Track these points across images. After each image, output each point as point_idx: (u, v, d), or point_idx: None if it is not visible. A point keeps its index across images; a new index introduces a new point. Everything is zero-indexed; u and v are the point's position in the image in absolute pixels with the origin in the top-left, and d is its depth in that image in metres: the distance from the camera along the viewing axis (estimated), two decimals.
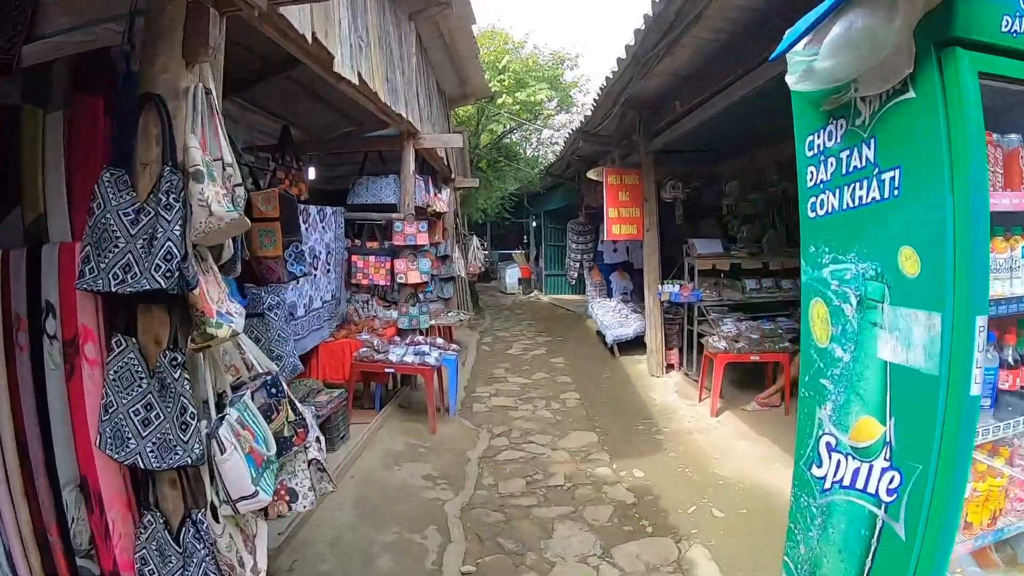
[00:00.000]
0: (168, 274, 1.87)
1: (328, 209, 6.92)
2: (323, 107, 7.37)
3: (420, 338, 6.97)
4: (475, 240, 14.13)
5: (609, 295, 13.17)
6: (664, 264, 8.69)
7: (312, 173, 9.43)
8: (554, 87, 15.74)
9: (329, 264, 6.93)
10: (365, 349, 6.23)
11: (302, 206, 6.24)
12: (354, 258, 7.23)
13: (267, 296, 4.50)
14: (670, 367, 8.72)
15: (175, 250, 1.89)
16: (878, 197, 2.25)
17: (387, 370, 6.16)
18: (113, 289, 1.88)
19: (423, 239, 6.99)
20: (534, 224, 21.67)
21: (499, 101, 14.29)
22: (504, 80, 14.88)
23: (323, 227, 6.79)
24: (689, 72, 6.19)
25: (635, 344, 9.83)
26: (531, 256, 21.80)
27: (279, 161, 6.78)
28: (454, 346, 7.00)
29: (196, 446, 1.96)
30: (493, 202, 17.64)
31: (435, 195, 9.20)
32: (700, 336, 8.03)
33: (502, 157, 16.31)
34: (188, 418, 1.96)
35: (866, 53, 1.98)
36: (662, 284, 8.07)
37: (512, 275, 20.89)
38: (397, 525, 4.39)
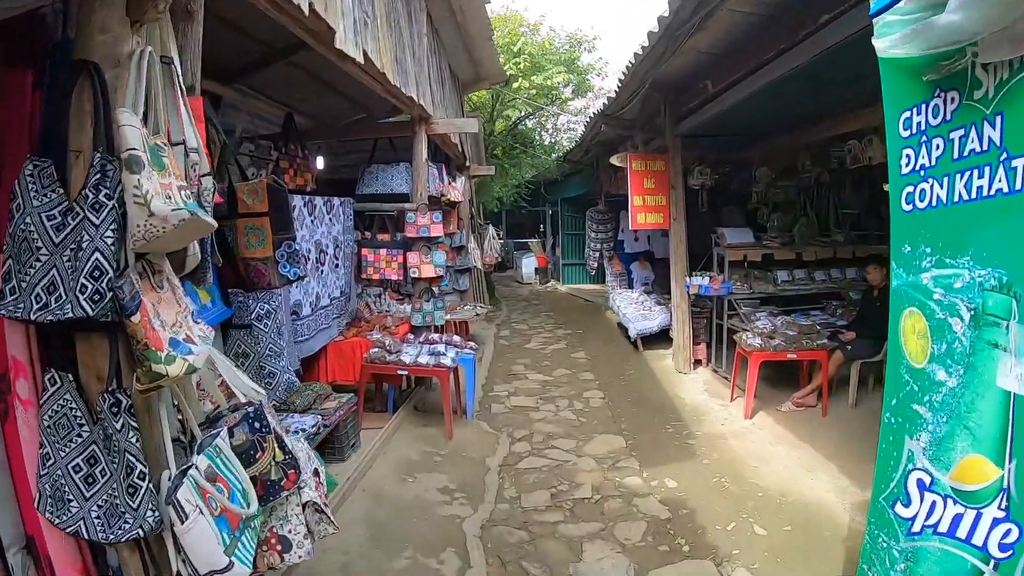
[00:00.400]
0: (96, 297, 1.44)
1: (336, 200, 6.50)
2: (329, 93, 6.96)
3: (435, 336, 6.56)
4: (491, 229, 13.69)
5: (630, 285, 12.71)
6: (688, 255, 8.21)
7: (321, 163, 9.04)
8: (571, 70, 15.14)
9: (338, 258, 6.52)
10: (376, 349, 5.82)
11: (307, 197, 5.85)
12: (364, 251, 6.82)
13: (256, 304, 4.08)
14: (697, 363, 8.26)
15: (105, 264, 1.46)
16: (1005, 189, 1.78)
17: (400, 372, 5.74)
18: (33, 317, 1.45)
19: (437, 230, 6.56)
20: (551, 212, 21.17)
21: (514, 85, 13.74)
22: (519, 63, 14.33)
23: (331, 219, 6.38)
24: (723, 50, 5.70)
25: (659, 338, 9.39)
26: (548, 245, 21.32)
27: (282, 150, 6.38)
28: (471, 344, 6.58)
29: (149, 514, 1.54)
30: (509, 190, 17.16)
31: (449, 183, 8.77)
32: (731, 331, 7.57)
33: (518, 144, 15.78)
34: (136, 479, 1.54)
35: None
36: (690, 276, 7.60)
37: (529, 265, 20.43)
38: (411, 547, 3.99)
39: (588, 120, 9.35)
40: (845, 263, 8.32)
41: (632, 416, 6.68)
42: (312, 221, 5.94)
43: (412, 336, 6.58)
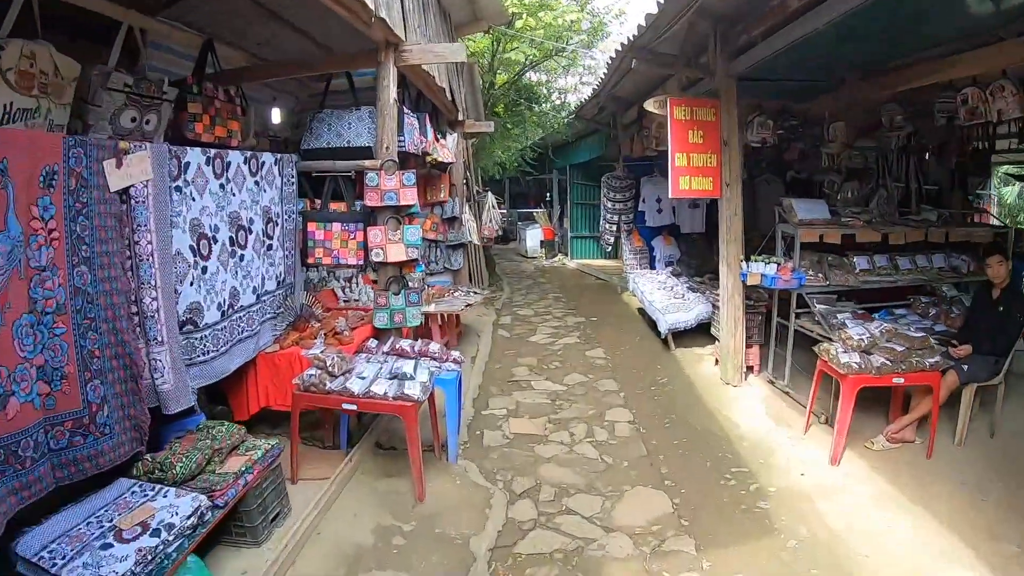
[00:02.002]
0: None
1: (266, 157, 4.63)
2: (279, 26, 5.10)
3: (405, 343, 4.68)
4: (490, 198, 11.73)
5: (652, 264, 10.81)
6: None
7: (277, 115, 7.11)
8: (584, 10, 12.78)
9: (271, 237, 4.68)
10: (312, 372, 3.97)
11: (210, 152, 3.97)
12: (311, 226, 4.96)
13: None
14: (748, 370, 6.39)
15: None
16: None
17: (346, 406, 3.86)
18: None
19: (409, 196, 4.70)
20: (558, 179, 19.14)
21: (518, 23, 11.53)
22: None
23: (257, 183, 4.51)
24: None
25: (694, 331, 7.52)
26: (555, 216, 19.30)
27: (194, 90, 4.48)
28: (455, 355, 4.69)
29: None
30: (512, 154, 15.12)
31: (436, 140, 6.83)
32: (799, 335, 5.71)
33: (522, 99, 13.63)
34: None
35: None
36: (748, 261, 5.69)
37: (533, 237, 18.46)
38: None
39: (610, 60, 7.29)
40: (932, 249, 6.41)
41: (675, 454, 4.86)
42: (221, 187, 4.07)
43: (374, 343, 4.70)
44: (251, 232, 4.38)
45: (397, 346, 4.59)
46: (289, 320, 4.92)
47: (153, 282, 3.40)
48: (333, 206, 5.13)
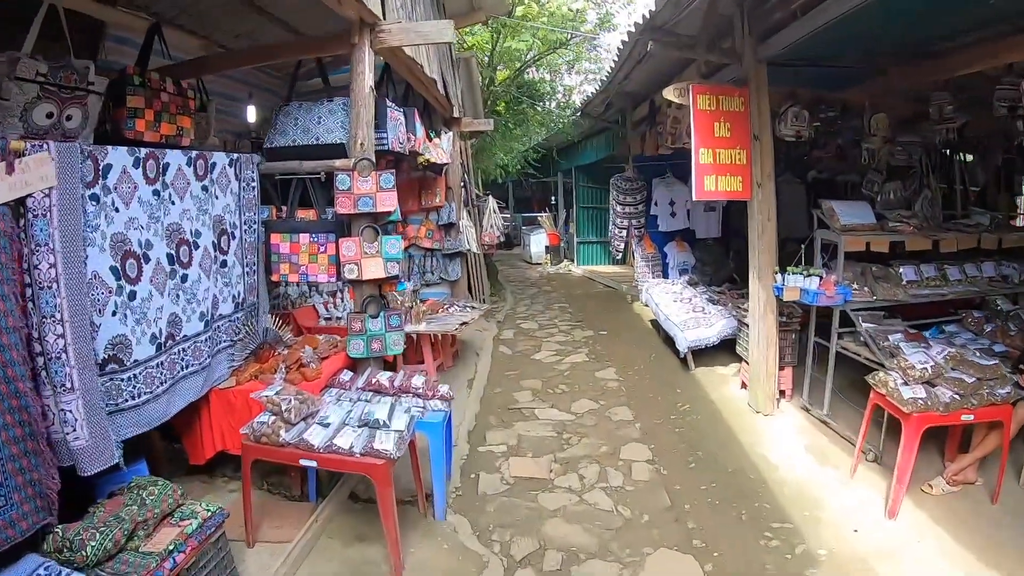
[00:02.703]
0: None
1: (217, 157, 3.97)
2: (245, 11, 4.47)
3: (383, 376, 4.00)
4: (491, 202, 11.06)
5: (664, 272, 10.10)
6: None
7: (252, 114, 6.45)
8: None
9: (225, 252, 4.02)
10: (266, 418, 3.28)
11: (140, 151, 3.30)
12: (274, 239, 4.28)
13: None
14: (780, 394, 5.68)
15: None
16: None
17: (304, 462, 3.17)
18: None
19: (388, 201, 4.04)
20: (563, 182, 18.43)
21: (520, 10, 10.79)
22: None
23: (204, 189, 3.84)
24: None
25: (714, 348, 6.81)
26: (560, 220, 18.60)
27: (137, 82, 3.84)
28: (443, 391, 3.99)
29: None
30: (514, 156, 14.42)
31: (427, 138, 6.17)
32: (842, 356, 5.02)
33: (524, 97, 12.91)
34: None
35: None
36: (782, 274, 4.99)
37: (538, 243, 17.76)
38: None
39: (621, 46, 6.59)
40: (981, 256, 5.73)
41: (703, 504, 4.18)
42: (156, 194, 3.39)
43: (348, 376, 4.02)
44: (197, 247, 3.71)
45: (374, 380, 3.91)
46: (251, 348, 4.25)
47: (59, 315, 2.73)
48: (301, 214, 4.47)
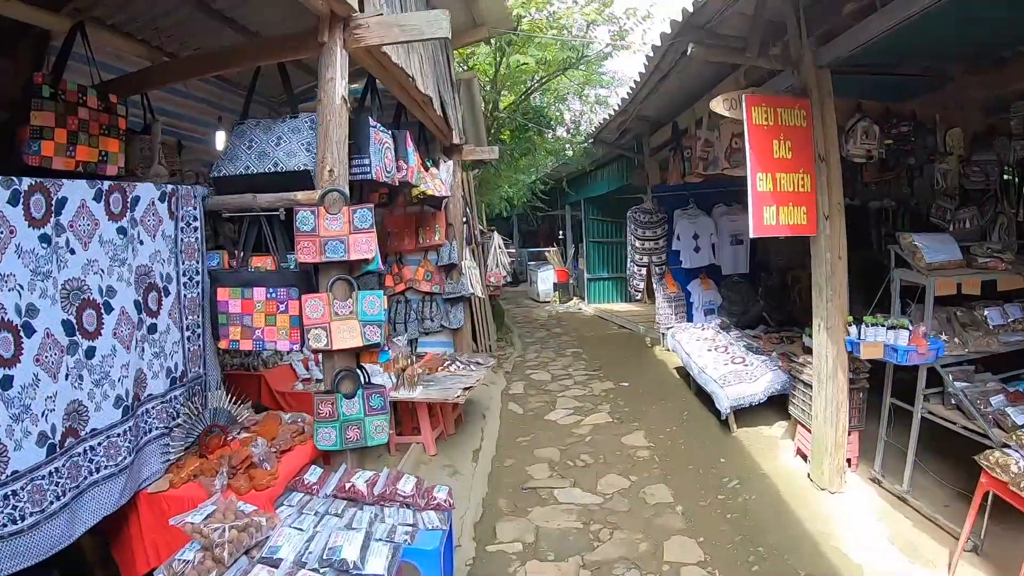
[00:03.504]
0: None
1: (142, 190, 3.09)
2: (211, 21, 3.65)
3: (360, 479, 3.05)
4: (496, 238, 10.16)
5: (688, 313, 9.14)
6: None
7: (221, 140, 5.63)
8: (606, 19, 11.03)
9: (154, 313, 3.12)
10: (189, 555, 2.33)
11: (26, 183, 2.40)
12: (221, 294, 3.38)
13: None
14: (846, 462, 4.72)
15: None
16: None
17: None
18: None
19: (363, 246, 3.15)
20: (572, 215, 17.60)
21: (525, 23, 9.91)
22: None
23: (121, 232, 2.94)
24: None
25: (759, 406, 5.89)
26: (569, 255, 17.71)
27: (46, 93, 2.99)
28: (439, 498, 3.03)
29: None
30: (520, 188, 13.58)
31: (422, 167, 5.33)
32: (928, 421, 4.07)
33: (531, 123, 12.08)
34: None
35: None
36: (858, 325, 4.06)
37: (545, 279, 16.87)
38: None
39: (650, 54, 5.71)
40: None
41: None
42: (43, 240, 2.50)
43: (316, 474, 3.08)
44: (110, 310, 2.82)
45: (349, 484, 2.96)
46: (194, 435, 3.32)
47: None
48: (256, 262, 3.55)
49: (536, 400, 7.31)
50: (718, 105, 4.09)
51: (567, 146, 13.06)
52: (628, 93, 7.10)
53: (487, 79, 10.44)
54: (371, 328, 3.16)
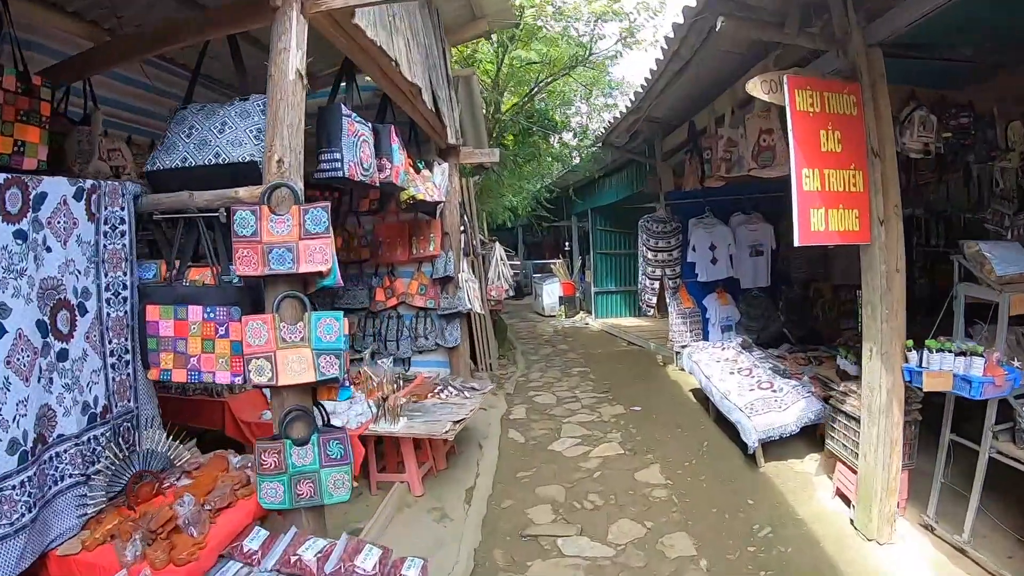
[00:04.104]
0: None
1: (53, 185, 2.50)
2: None
3: (310, 551, 2.43)
4: (498, 249, 9.56)
5: (704, 330, 8.52)
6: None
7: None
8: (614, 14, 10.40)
9: (65, 336, 2.54)
10: None
11: None
12: (150, 313, 2.78)
13: None
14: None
15: None
16: None
17: None
18: None
19: (317, 255, 2.55)
20: (578, 226, 16.99)
21: (528, 13, 9.26)
22: None
23: (22, 236, 2.36)
24: None
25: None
26: (575, 268, 17.07)
27: None
28: None
29: None
30: (525, 197, 12.98)
31: (411, 168, 4.76)
32: (996, 462, 3.45)
33: (535, 126, 11.45)
34: None
35: None
36: (919, 351, 3.44)
37: (551, 293, 16.24)
38: None
39: (670, 35, 5.09)
40: None
41: None
42: None
43: (259, 540, 2.47)
44: (3, 333, 2.22)
45: (294, 557, 2.34)
46: (122, 482, 2.73)
47: None
48: (195, 274, 2.96)
49: (539, 427, 6.66)
50: (755, 88, 3.48)
51: (574, 152, 12.46)
52: (642, 86, 6.49)
53: (488, 80, 9.86)
54: (327, 359, 2.56)
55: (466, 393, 5.23)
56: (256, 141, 2.85)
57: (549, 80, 11.00)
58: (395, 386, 5.01)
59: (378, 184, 4.00)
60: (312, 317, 2.57)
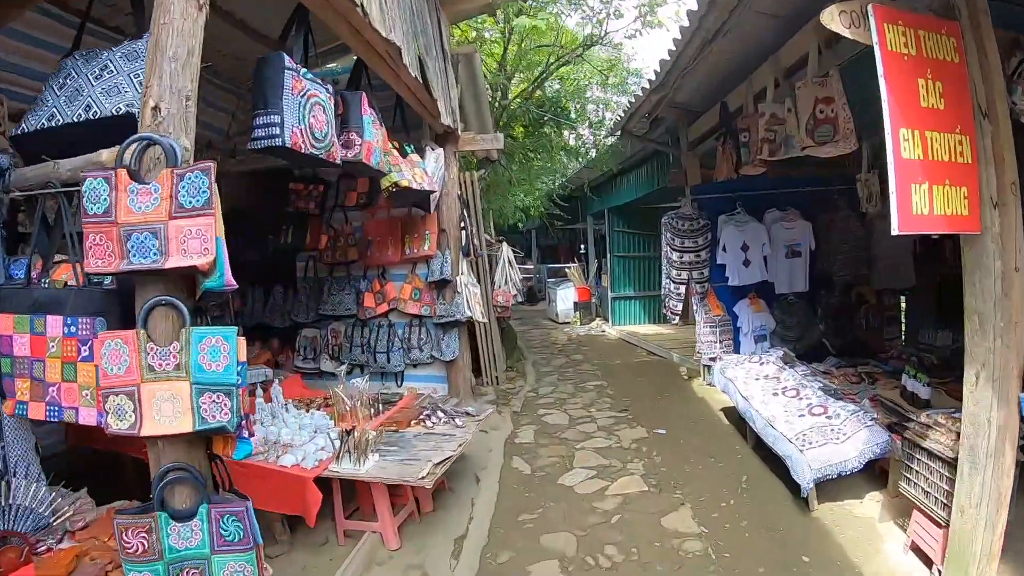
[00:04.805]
0: None
1: None
2: None
3: None
4: (506, 251, 8.74)
5: (735, 340, 7.66)
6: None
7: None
8: None
9: None
10: None
11: None
12: (3, 322, 1.99)
13: None
14: None
15: None
16: None
17: None
18: None
19: (195, 242, 1.77)
20: (594, 227, 16.14)
21: None
22: None
23: None
24: None
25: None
26: (591, 272, 16.21)
27: None
28: None
29: None
30: (537, 197, 12.15)
31: (393, 150, 3.98)
32: None
33: (547, 115, 10.57)
34: None
35: None
36: None
37: (565, 298, 15.43)
38: None
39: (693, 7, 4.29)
40: None
41: None
42: None
43: None
44: None
45: None
46: None
47: None
48: (61, 272, 2.17)
49: (548, 453, 5.82)
50: (832, 19, 2.62)
51: (590, 144, 11.61)
52: (667, 56, 5.65)
53: (494, 63, 9.04)
54: (212, 398, 1.77)
55: (458, 421, 4.40)
56: (139, 89, 2.08)
57: (561, 62, 10.12)
58: (372, 411, 4.22)
59: (339, 161, 3.22)
60: (192, 336, 1.78)
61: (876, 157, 6.01)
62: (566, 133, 11.86)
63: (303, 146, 2.82)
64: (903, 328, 8.18)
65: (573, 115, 11.46)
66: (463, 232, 6.52)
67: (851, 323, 7.68)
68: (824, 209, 7.42)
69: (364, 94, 3.65)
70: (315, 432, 3.98)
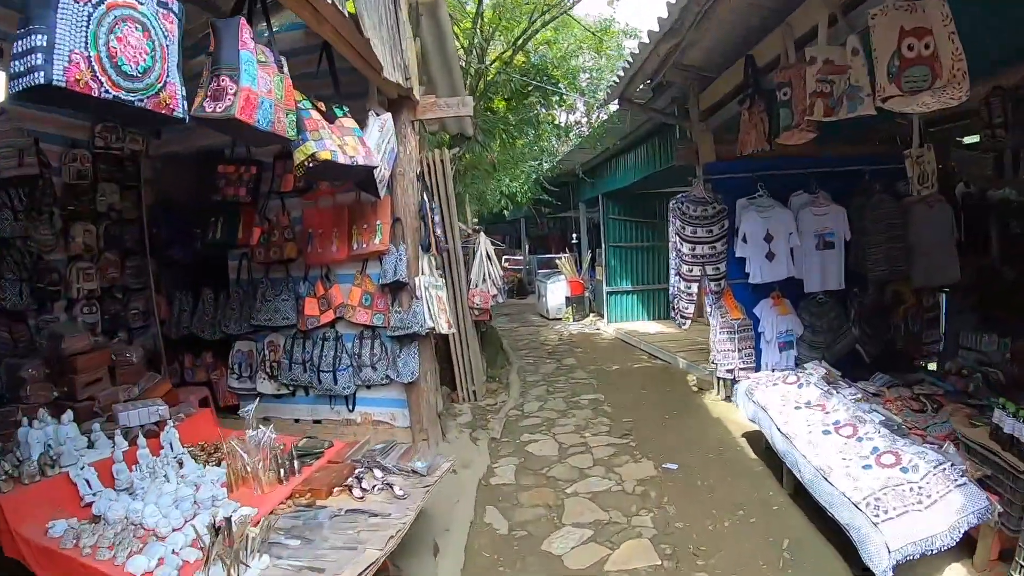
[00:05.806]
0: None
1: None
2: None
3: None
4: (483, 241, 7.58)
5: (756, 347, 6.55)
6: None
7: None
8: None
9: None
10: None
11: None
12: None
13: None
14: None
15: None
16: None
17: None
18: None
19: None
20: (587, 214, 15.01)
21: None
22: None
23: None
24: None
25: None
26: (584, 263, 15.06)
27: None
28: None
29: None
30: (524, 182, 10.99)
31: (291, 100, 2.78)
32: None
33: (534, 83, 9.32)
34: None
35: None
36: None
37: (556, 292, 14.30)
38: None
39: None
40: None
41: None
42: None
43: None
44: None
45: None
46: None
47: None
48: None
49: (532, 501, 4.68)
50: None
51: (581, 119, 10.46)
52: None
53: (468, 22, 7.85)
54: None
55: (397, 488, 3.22)
56: None
57: (547, 17, 8.86)
58: (281, 471, 3.07)
59: (186, 115, 2.07)
60: None
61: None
62: (556, 110, 10.66)
63: (93, 87, 1.68)
64: (943, 331, 7.04)
65: (562, 86, 10.24)
66: (422, 221, 5.34)
67: (887, 326, 6.60)
68: (854, 192, 6.31)
69: (242, 20, 2.49)
70: (196, 513, 2.84)
